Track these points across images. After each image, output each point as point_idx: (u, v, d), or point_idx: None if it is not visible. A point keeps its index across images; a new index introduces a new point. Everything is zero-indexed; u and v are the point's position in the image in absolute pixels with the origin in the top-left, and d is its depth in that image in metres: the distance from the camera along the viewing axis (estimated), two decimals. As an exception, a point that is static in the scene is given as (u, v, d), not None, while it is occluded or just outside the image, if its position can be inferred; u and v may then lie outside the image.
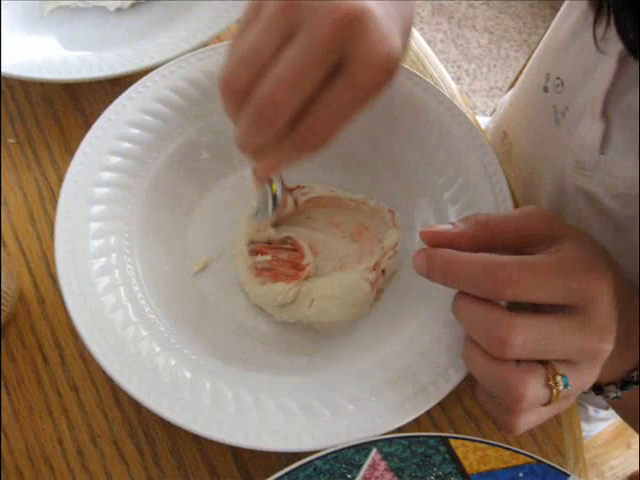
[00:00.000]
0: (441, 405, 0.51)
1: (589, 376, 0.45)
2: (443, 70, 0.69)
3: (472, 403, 0.54)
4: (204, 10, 0.67)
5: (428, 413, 0.50)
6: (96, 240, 0.52)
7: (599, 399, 0.53)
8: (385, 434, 0.46)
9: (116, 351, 0.47)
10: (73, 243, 0.51)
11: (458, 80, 2.15)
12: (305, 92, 0.38)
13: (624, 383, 0.50)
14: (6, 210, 0.59)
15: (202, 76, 0.58)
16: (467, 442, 0.45)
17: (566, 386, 0.43)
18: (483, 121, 0.99)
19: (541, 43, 0.70)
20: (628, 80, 0.52)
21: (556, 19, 0.66)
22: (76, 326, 0.47)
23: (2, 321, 0.53)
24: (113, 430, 0.52)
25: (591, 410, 0.86)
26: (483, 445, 0.45)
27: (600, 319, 0.43)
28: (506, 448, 0.46)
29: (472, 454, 0.45)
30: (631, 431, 1.02)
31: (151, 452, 0.51)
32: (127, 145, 0.55)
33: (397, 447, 0.45)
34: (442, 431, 0.53)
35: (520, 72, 1.32)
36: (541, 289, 0.42)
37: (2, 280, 0.50)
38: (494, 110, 0.87)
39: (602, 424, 0.94)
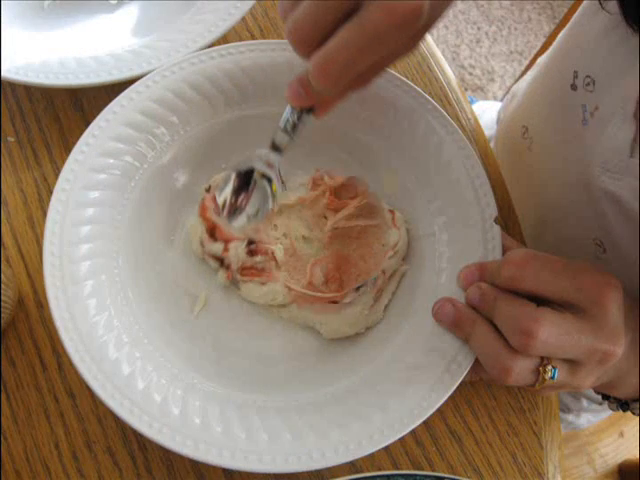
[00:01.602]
0: (425, 422, 0.52)
1: (585, 380, 0.47)
2: (449, 72, 0.69)
3: (455, 421, 0.55)
4: (206, 6, 0.66)
5: (413, 431, 0.50)
6: (86, 244, 0.52)
7: (590, 392, 0.54)
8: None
9: (107, 376, 0.48)
10: (62, 247, 0.51)
11: (478, 43, 2.10)
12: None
13: None
14: (6, 211, 0.59)
15: (202, 78, 0.57)
16: None
17: (553, 378, 0.45)
18: (495, 108, 0.97)
19: (561, 38, 0.67)
20: None
21: (577, 15, 0.63)
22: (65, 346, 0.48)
23: (2, 327, 0.54)
24: (107, 436, 0.53)
25: (584, 402, 0.87)
26: None
27: (609, 320, 0.44)
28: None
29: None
30: (624, 420, 1.03)
31: (143, 459, 0.52)
32: (122, 146, 0.55)
33: None
34: (425, 448, 0.54)
35: (534, 58, 1.29)
36: (547, 282, 0.45)
37: (2, 286, 0.51)
38: (507, 92, 0.85)
39: (594, 417, 0.94)
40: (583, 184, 0.60)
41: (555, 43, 0.70)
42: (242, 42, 0.58)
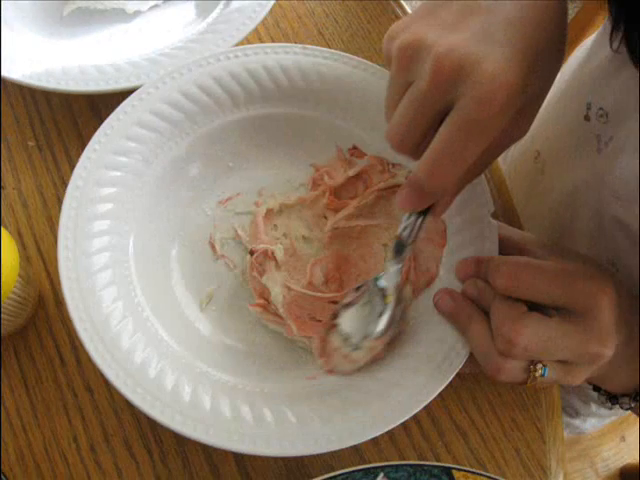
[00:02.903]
0: (431, 418, 0.53)
1: (578, 378, 0.48)
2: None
3: (461, 417, 0.57)
4: (222, 15, 0.68)
5: (419, 426, 0.52)
6: (98, 238, 0.54)
7: (602, 399, 0.55)
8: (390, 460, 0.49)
9: (120, 364, 0.49)
10: (76, 241, 0.52)
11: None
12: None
13: (637, 395, 0.52)
14: (26, 213, 0.61)
15: (210, 80, 0.58)
16: (469, 474, 0.48)
17: (543, 375, 0.46)
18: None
19: (576, 66, 0.68)
20: None
21: (587, 49, 0.64)
22: (80, 336, 0.49)
23: (23, 323, 0.56)
24: (124, 430, 0.54)
25: (594, 407, 0.88)
26: (484, 478, 0.48)
27: (600, 325, 0.45)
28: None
29: (472, 485, 0.48)
30: (626, 425, 1.04)
31: (159, 451, 0.54)
32: (133, 145, 0.56)
33: (402, 473, 0.48)
34: (432, 443, 0.55)
35: None
36: (541, 291, 0.46)
37: (22, 282, 0.53)
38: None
39: (599, 422, 0.95)
40: (594, 209, 0.61)
41: (566, 74, 0.71)
42: (249, 45, 0.60)
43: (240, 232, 0.59)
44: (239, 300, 0.58)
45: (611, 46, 0.52)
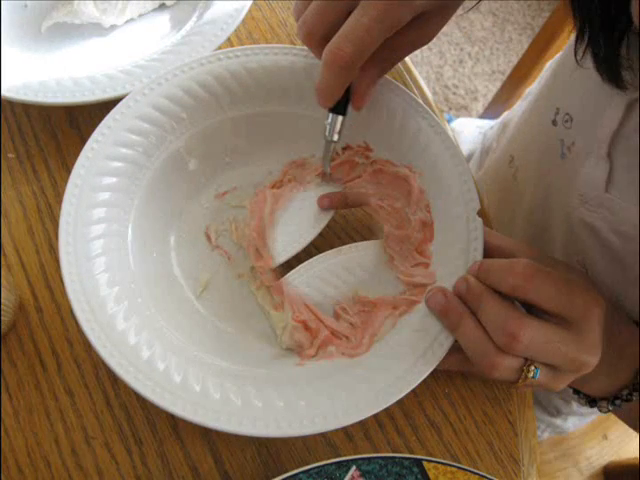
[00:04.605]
0: (405, 413, 0.55)
1: (561, 384, 0.50)
2: (426, 90, 0.72)
3: (434, 412, 0.58)
4: (196, 28, 0.70)
5: (393, 422, 0.54)
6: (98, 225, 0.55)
7: (582, 401, 0.57)
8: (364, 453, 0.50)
9: (127, 358, 0.50)
10: (76, 245, 0.53)
11: (460, 63, 2.15)
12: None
13: (615, 399, 0.55)
14: (7, 223, 0.62)
15: (210, 78, 0.60)
16: (439, 465, 0.49)
17: (535, 377, 0.47)
18: (474, 124, 1.00)
19: (547, 73, 0.69)
20: (635, 125, 0.53)
21: (567, 47, 0.65)
22: (80, 324, 0.50)
23: (2, 330, 0.57)
24: (105, 432, 0.55)
25: (575, 405, 0.89)
26: (453, 469, 0.50)
27: (592, 337, 0.47)
28: (474, 473, 0.50)
29: (442, 476, 0.49)
30: (608, 423, 1.06)
31: (139, 452, 0.55)
32: (134, 137, 0.58)
33: (374, 465, 0.49)
34: (406, 438, 0.57)
35: (512, 76, 1.32)
36: (549, 297, 0.47)
37: (4, 291, 0.54)
38: (487, 107, 0.88)
39: (580, 421, 0.97)
40: (564, 212, 0.63)
41: (542, 78, 0.73)
42: (248, 45, 0.61)
43: (232, 227, 0.61)
44: (234, 288, 0.60)
45: (575, 58, 0.54)
